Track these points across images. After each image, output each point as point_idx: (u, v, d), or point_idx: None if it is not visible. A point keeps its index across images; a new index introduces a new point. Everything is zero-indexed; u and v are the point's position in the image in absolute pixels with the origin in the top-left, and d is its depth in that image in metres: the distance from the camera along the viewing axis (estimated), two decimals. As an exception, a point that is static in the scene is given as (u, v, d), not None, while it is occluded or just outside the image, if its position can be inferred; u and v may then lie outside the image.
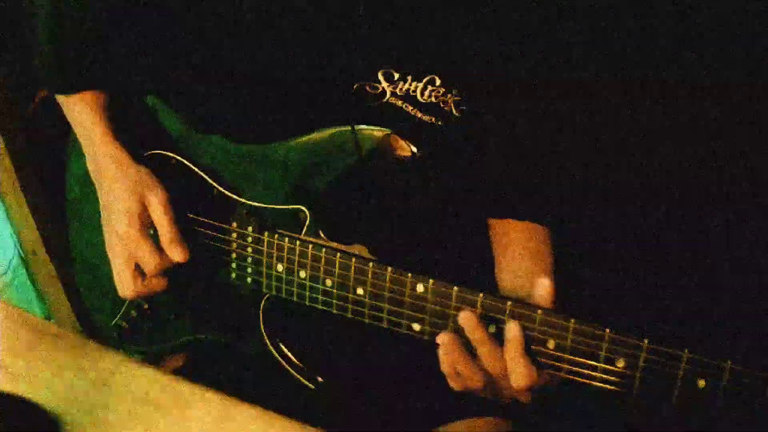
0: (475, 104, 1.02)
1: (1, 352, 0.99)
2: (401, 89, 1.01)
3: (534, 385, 0.89)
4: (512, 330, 0.87)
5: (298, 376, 1.06)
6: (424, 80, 1.00)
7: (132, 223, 1.05)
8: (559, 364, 0.89)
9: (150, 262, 1.05)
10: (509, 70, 1.01)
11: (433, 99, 1.01)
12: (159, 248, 1.05)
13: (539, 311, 0.88)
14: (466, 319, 0.89)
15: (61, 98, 1.16)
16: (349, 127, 0.98)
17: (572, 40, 1.03)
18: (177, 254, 1.05)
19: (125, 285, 1.08)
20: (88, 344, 1.03)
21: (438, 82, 1.00)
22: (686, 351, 0.82)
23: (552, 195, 1.09)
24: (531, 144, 1.07)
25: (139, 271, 1.08)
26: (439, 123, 1.03)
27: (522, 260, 1.07)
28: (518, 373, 0.88)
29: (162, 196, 1.06)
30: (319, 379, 1.06)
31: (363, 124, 0.98)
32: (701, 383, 0.81)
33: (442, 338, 0.91)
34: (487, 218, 1.14)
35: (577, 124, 1.06)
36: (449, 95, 1.01)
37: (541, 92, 1.04)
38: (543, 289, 0.89)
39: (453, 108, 1.02)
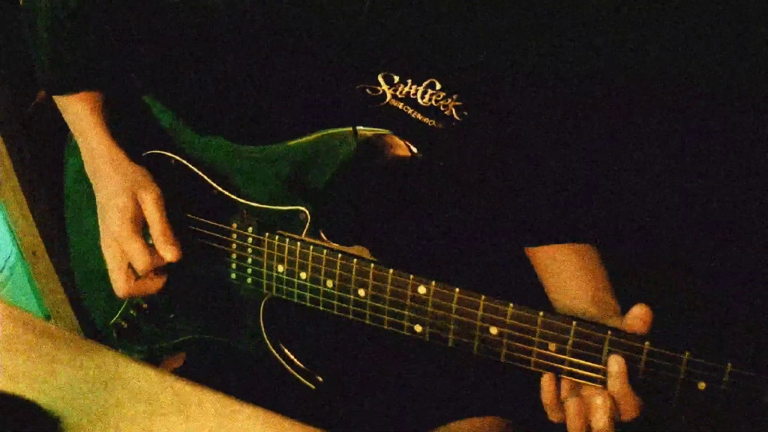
0: (477, 110, 1.02)
1: (1, 352, 0.99)
2: (401, 92, 1.01)
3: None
4: (617, 364, 0.85)
5: (299, 377, 1.06)
6: (424, 84, 1.00)
7: (124, 220, 1.04)
8: (560, 366, 0.89)
9: (141, 261, 1.03)
10: (510, 78, 1.01)
11: (433, 102, 1.01)
12: (151, 247, 1.04)
13: (541, 313, 0.88)
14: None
15: (58, 99, 1.16)
16: (350, 128, 0.98)
17: (574, 46, 1.03)
18: (168, 253, 1.02)
19: (118, 284, 1.07)
20: (88, 344, 1.03)
21: (438, 86, 1.00)
22: (687, 353, 0.82)
23: (561, 205, 1.08)
24: (535, 152, 1.07)
25: (132, 270, 1.06)
26: (440, 126, 1.03)
27: (575, 280, 1.05)
28: (630, 406, 0.87)
29: (155, 194, 1.04)
30: (320, 379, 1.06)
31: (364, 125, 0.98)
32: (701, 385, 0.82)
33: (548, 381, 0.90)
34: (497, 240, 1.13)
35: (581, 133, 1.05)
36: (450, 100, 1.01)
37: (544, 99, 1.04)
38: (640, 315, 0.87)
39: (454, 112, 1.02)
